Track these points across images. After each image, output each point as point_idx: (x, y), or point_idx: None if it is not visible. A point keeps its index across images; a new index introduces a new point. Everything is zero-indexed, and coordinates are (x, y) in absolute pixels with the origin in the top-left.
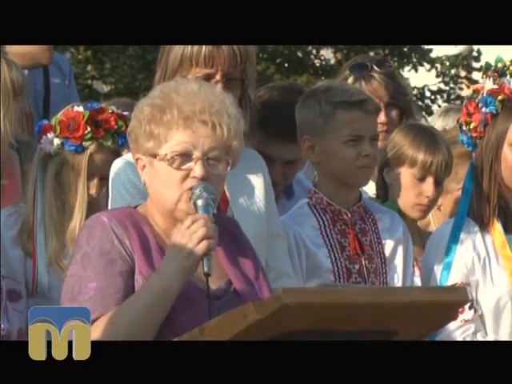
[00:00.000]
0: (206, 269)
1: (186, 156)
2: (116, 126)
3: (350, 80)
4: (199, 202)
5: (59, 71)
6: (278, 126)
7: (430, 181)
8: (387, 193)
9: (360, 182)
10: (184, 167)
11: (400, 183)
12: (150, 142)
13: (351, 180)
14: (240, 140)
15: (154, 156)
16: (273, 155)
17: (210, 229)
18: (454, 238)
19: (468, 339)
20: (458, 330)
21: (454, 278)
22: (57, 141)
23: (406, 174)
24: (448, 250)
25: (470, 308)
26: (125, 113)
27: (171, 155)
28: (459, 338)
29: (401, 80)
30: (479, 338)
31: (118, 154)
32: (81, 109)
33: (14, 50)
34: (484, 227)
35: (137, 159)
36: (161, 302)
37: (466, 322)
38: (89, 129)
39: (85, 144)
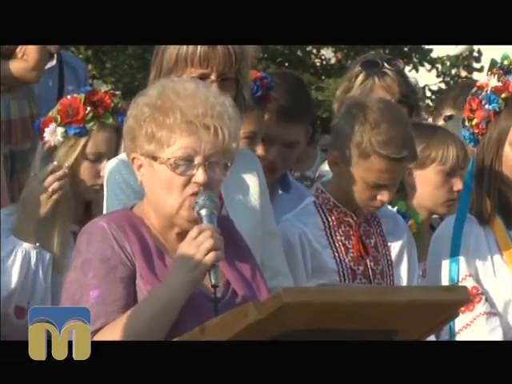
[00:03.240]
0: (213, 281)
1: (188, 161)
2: (113, 104)
3: (361, 76)
4: (203, 212)
5: (74, 78)
6: (279, 107)
7: (458, 174)
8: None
9: (364, 210)
10: (187, 173)
11: (428, 183)
12: (152, 144)
13: (357, 207)
14: (237, 141)
15: (155, 159)
16: (272, 135)
17: (217, 240)
18: (457, 234)
19: (490, 330)
20: (486, 321)
21: (460, 273)
22: (60, 129)
23: (436, 172)
24: (452, 247)
25: (486, 300)
26: (116, 92)
27: (174, 160)
28: (487, 331)
29: (410, 79)
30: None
31: (120, 131)
32: (75, 95)
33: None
34: (485, 223)
35: (133, 158)
36: (166, 312)
37: (488, 314)
38: (89, 109)
39: (88, 125)
